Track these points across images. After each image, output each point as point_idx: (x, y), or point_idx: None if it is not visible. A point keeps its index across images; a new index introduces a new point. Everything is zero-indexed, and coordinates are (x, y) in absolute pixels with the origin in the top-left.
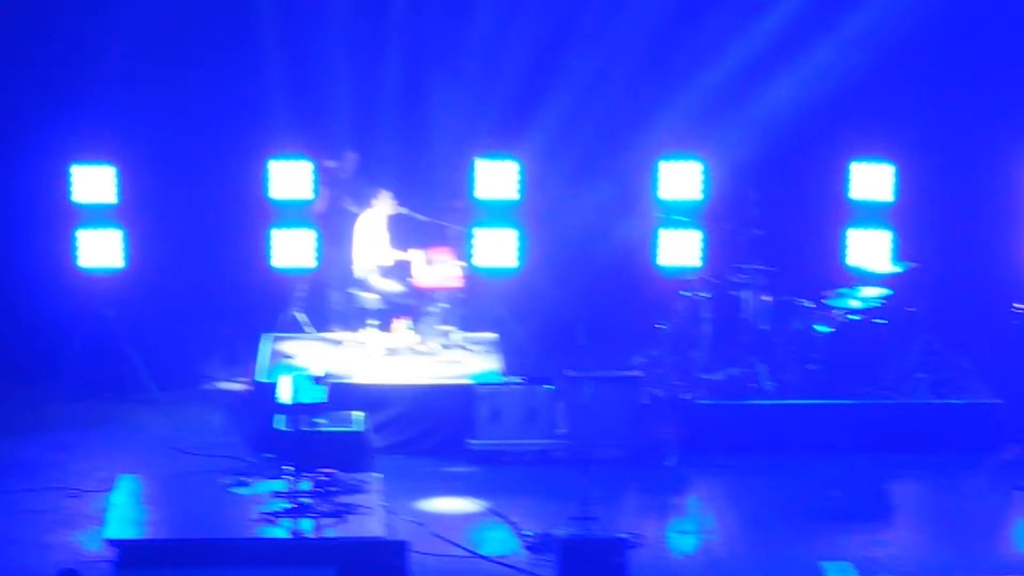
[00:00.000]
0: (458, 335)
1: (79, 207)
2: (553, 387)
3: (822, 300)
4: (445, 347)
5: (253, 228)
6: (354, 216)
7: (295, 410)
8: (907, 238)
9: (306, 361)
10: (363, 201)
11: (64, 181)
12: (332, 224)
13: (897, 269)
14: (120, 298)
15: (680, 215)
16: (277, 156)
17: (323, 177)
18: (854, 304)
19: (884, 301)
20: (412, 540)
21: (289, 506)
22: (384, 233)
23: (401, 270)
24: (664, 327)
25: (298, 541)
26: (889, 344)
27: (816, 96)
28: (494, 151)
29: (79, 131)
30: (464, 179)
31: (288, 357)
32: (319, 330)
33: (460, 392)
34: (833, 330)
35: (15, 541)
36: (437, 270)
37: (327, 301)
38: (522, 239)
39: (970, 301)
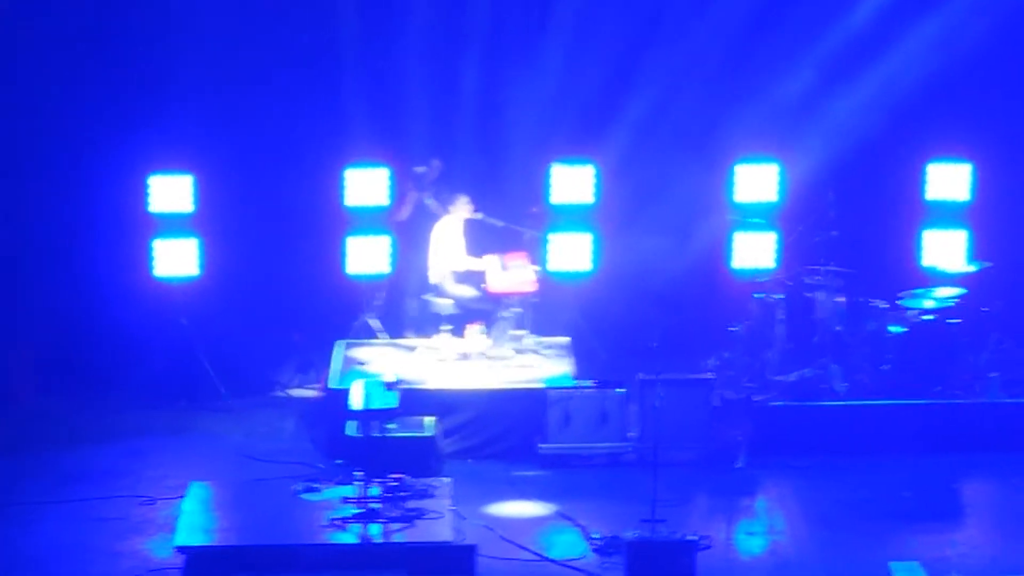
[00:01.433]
0: (531, 339)
1: (156, 217)
2: (625, 391)
3: (896, 301)
4: (518, 352)
5: (328, 235)
6: (433, 221)
7: (366, 416)
8: (982, 238)
9: (378, 367)
10: (445, 206)
11: (142, 191)
12: (411, 230)
13: (972, 269)
14: (195, 306)
15: (755, 217)
16: (354, 164)
17: (410, 183)
18: (928, 304)
19: (958, 301)
20: (481, 544)
21: (358, 511)
22: (460, 239)
23: (476, 275)
24: (737, 329)
25: (367, 546)
26: (962, 344)
27: (892, 97)
28: (570, 156)
29: (157, 141)
30: (540, 184)
31: (361, 363)
32: (393, 336)
33: (531, 396)
34: (906, 330)
35: (87, 549)
36: (512, 275)
37: (402, 307)
38: (596, 243)
39: None
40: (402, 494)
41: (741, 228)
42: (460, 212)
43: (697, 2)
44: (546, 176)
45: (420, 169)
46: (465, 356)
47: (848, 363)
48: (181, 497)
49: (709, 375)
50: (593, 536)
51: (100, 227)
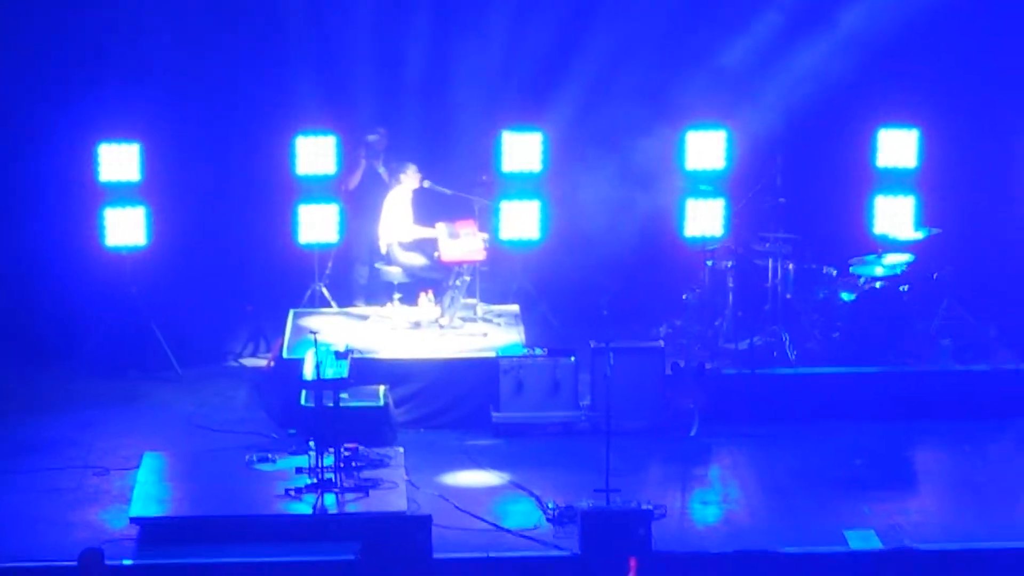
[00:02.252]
0: (481, 308)
1: (106, 186)
2: (575, 359)
3: (847, 268)
4: (469, 320)
5: (277, 204)
6: (384, 189)
7: (318, 385)
8: (931, 204)
9: (330, 336)
10: (395, 174)
11: (91, 160)
12: (361, 198)
13: (921, 235)
14: (145, 276)
15: (705, 184)
16: (303, 132)
17: (361, 151)
18: (878, 271)
19: (907, 268)
20: (435, 514)
21: (312, 482)
22: (409, 209)
23: (426, 244)
24: (688, 297)
25: (321, 517)
26: (913, 311)
27: (841, 63)
28: (519, 123)
29: (105, 109)
30: (489, 152)
31: (312, 332)
32: (344, 305)
33: (484, 365)
34: (856, 297)
35: (40, 519)
36: (462, 243)
37: (352, 276)
38: (545, 211)
39: (994, 267)
40: (356, 464)
41: (692, 195)
42: (409, 182)
43: None
44: (497, 144)
45: (372, 137)
46: (417, 325)
47: (799, 330)
48: (134, 467)
49: (660, 343)
50: (548, 506)
51: (49, 196)
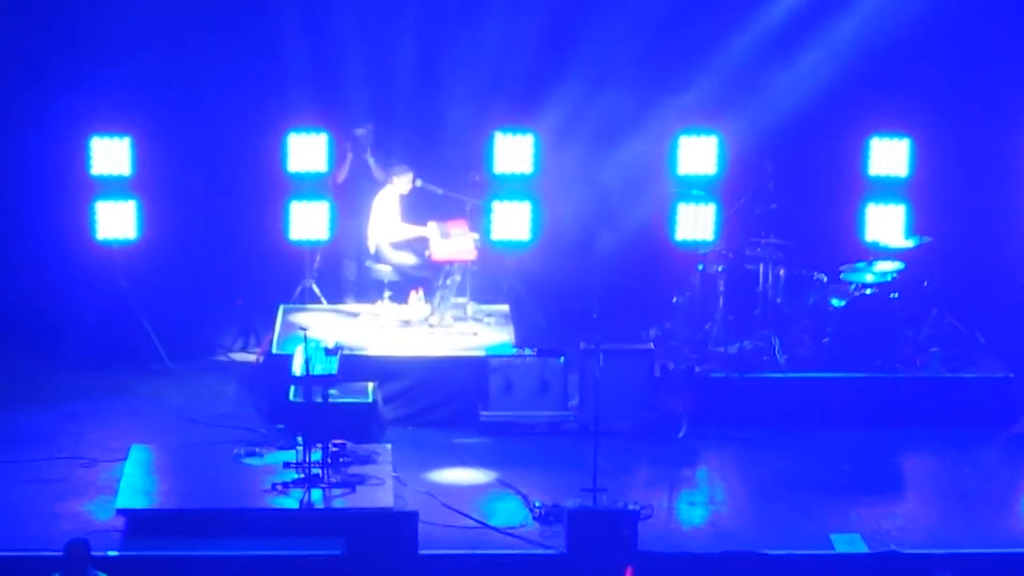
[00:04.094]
0: (472, 307)
1: (97, 179)
2: (565, 359)
3: (838, 274)
4: (459, 319)
5: (269, 200)
6: (375, 186)
7: (307, 381)
8: (922, 213)
9: (319, 332)
10: (386, 169)
11: (83, 153)
12: (350, 194)
13: (911, 244)
14: (135, 269)
15: (697, 189)
16: (296, 129)
17: (349, 145)
18: (868, 278)
19: (898, 275)
20: (422, 511)
21: (300, 477)
22: (397, 209)
23: (417, 242)
24: (678, 300)
25: (308, 511)
26: (902, 318)
27: (834, 70)
28: (511, 124)
29: (98, 103)
30: (481, 152)
31: (302, 329)
32: (333, 302)
33: (473, 364)
34: (847, 304)
35: (26, 510)
36: (452, 243)
37: (342, 273)
38: (536, 212)
39: (983, 275)
40: (343, 460)
41: (683, 200)
42: (401, 185)
43: None
44: (488, 144)
45: (359, 131)
46: (406, 323)
47: (788, 335)
48: (122, 459)
49: (650, 345)
50: (534, 504)
51: (41, 189)
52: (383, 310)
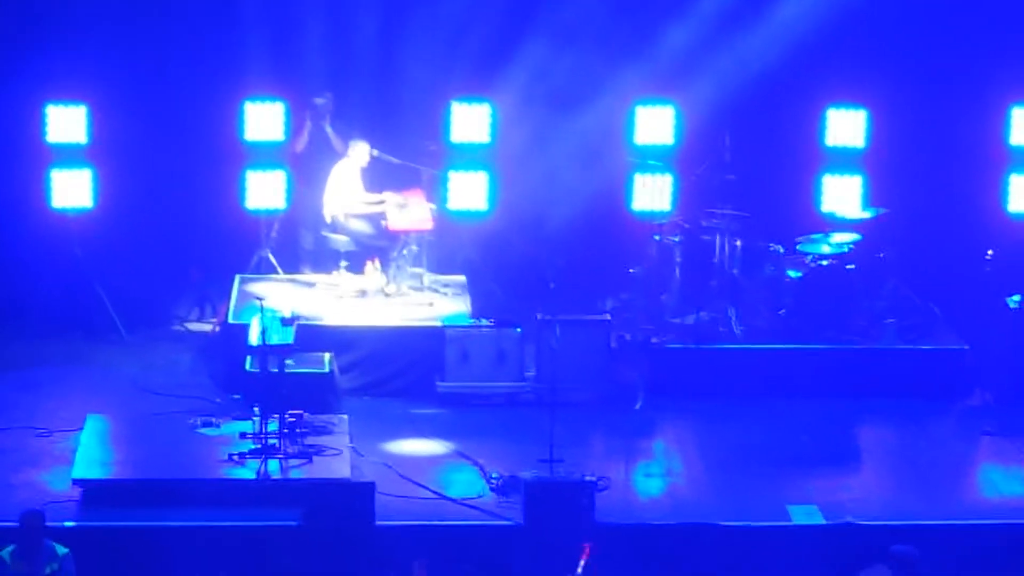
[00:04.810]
0: (428, 277)
1: (53, 147)
2: (522, 330)
3: (794, 246)
4: (415, 289)
5: (225, 169)
6: (334, 156)
7: (263, 351)
8: (878, 184)
9: (276, 302)
10: (345, 141)
11: (39, 121)
12: (308, 164)
13: (868, 215)
14: (90, 238)
15: (653, 159)
16: (252, 98)
17: (308, 114)
18: (825, 249)
19: (854, 247)
20: (379, 482)
21: (256, 447)
22: (357, 182)
23: (373, 213)
24: (635, 271)
25: (265, 482)
26: (858, 290)
27: (791, 41)
28: (468, 94)
29: (53, 70)
30: (439, 122)
31: (258, 298)
32: (290, 272)
33: (429, 334)
34: (803, 275)
35: None
36: (409, 213)
37: (299, 242)
38: (493, 182)
39: (939, 247)
40: (300, 430)
41: (640, 170)
42: (358, 158)
43: None
44: (446, 114)
45: (319, 100)
46: (363, 293)
47: (745, 306)
48: (78, 429)
49: (606, 316)
50: (491, 475)
51: None
52: (339, 280)
